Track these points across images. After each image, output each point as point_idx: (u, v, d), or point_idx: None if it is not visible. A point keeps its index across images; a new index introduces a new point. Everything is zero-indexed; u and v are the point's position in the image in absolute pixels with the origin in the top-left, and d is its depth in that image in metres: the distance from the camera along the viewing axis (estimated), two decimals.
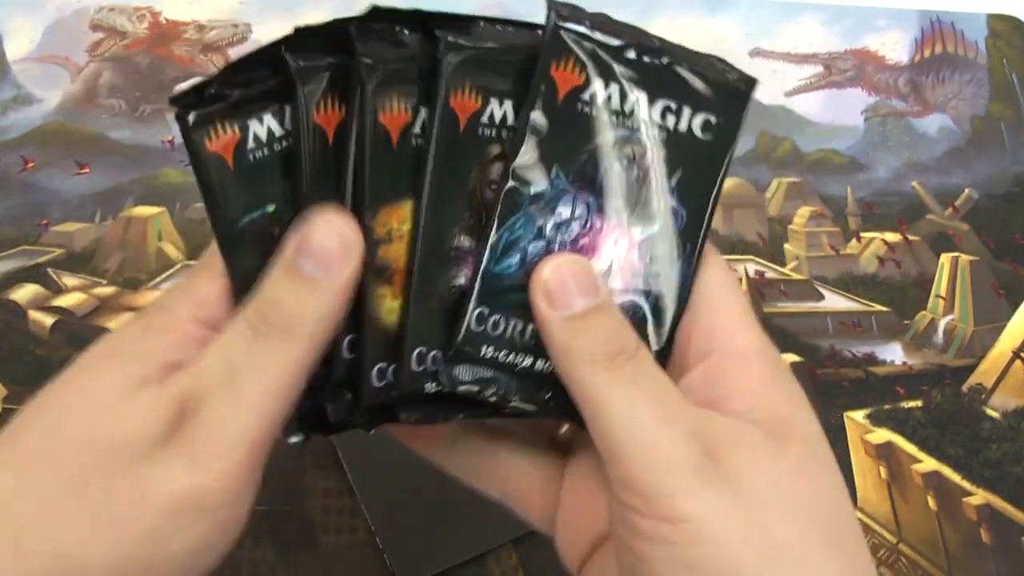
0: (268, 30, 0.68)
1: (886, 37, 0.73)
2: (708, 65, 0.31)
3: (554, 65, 0.29)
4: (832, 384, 0.57)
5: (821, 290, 0.62)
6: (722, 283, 0.32)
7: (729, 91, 0.31)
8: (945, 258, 0.64)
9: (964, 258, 0.64)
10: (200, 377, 0.28)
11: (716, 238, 0.63)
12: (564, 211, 0.29)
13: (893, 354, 0.59)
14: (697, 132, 0.31)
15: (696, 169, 0.31)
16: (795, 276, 0.62)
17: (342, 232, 0.28)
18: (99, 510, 0.26)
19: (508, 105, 0.29)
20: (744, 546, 0.27)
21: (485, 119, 0.29)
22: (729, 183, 0.66)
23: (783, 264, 0.63)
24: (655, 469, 0.27)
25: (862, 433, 0.56)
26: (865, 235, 0.64)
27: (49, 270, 0.57)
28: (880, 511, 0.54)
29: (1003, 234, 0.65)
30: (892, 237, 0.64)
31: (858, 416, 0.56)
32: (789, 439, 0.29)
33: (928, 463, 0.55)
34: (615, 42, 0.30)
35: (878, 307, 0.61)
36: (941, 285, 0.62)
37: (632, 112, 0.30)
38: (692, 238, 0.31)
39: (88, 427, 0.27)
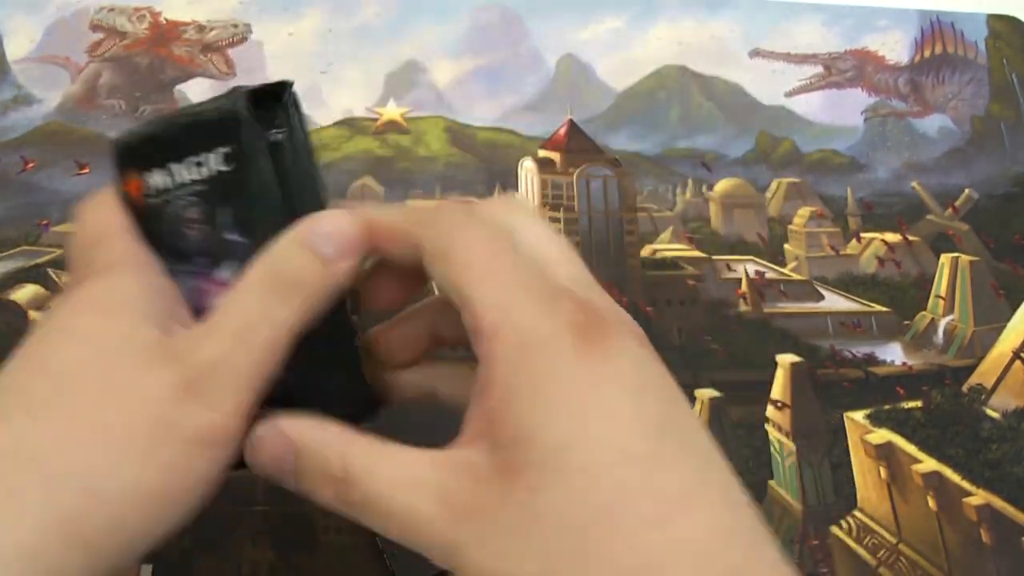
0: (268, 30, 0.68)
1: (886, 37, 0.73)
2: (208, 105, 0.33)
3: (124, 180, 0.33)
4: (832, 384, 0.58)
5: (821, 290, 0.62)
6: (492, 270, 0.30)
7: (224, 116, 0.32)
8: (945, 258, 0.64)
9: (964, 258, 0.64)
10: (215, 327, 0.30)
11: (717, 238, 0.63)
12: (181, 290, 0.33)
13: (893, 354, 0.59)
14: (224, 168, 0.32)
15: (247, 198, 0.33)
16: (795, 276, 0.62)
17: (353, 224, 0.31)
18: (124, 446, 0.28)
19: (163, 174, 0.33)
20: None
21: (152, 191, 0.33)
22: (729, 183, 0.66)
23: (783, 264, 0.63)
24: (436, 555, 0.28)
25: (862, 433, 0.56)
26: (865, 235, 0.64)
27: (49, 270, 0.57)
28: (880, 511, 0.54)
29: (1003, 234, 0.65)
30: (892, 237, 0.64)
31: (858, 416, 0.56)
32: (511, 468, 0.26)
33: (928, 463, 0.55)
34: (141, 140, 0.34)
35: (878, 307, 0.61)
36: (941, 285, 0.62)
37: (181, 184, 0.33)
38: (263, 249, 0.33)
39: (104, 377, 0.29)
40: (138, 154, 0.34)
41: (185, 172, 0.33)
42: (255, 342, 0.29)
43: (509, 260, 0.29)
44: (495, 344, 0.27)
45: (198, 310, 0.32)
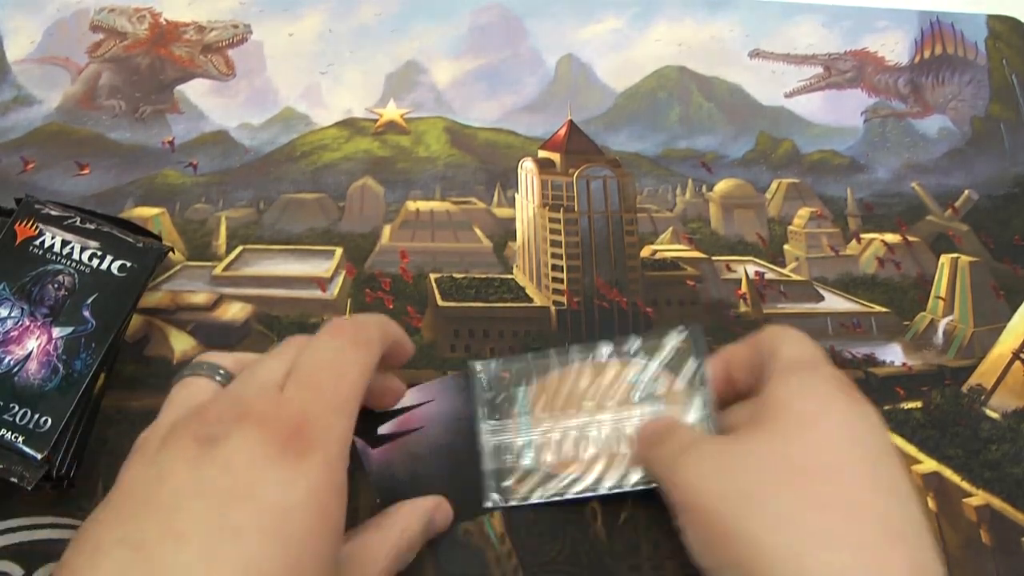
0: (268, 31, 0.68)
1: (886, 38, 0.73)
2: (134, 233, 0.52)
3: (18, 222, 0.49)
4: None
5: (821, 291, 0.62)
6: (798, 342, 0.45)
7: (145, 249, 0.50)
8: (945, 259, 0.64)
9: (964, 259, 0.64)
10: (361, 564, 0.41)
11: (716, 239, 0.63)
12: (3, 311, 0.47)
13: (893, 355, 0.59)
14: (114, 271, 0.49)
15: (111, 294, 0.49)
16: (795, 277, 0.62)
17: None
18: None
19: (58, 239, 0.49)
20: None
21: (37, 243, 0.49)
22: (729, 183, 0.66)
23: (783, 265, 0.63)
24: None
25: None
26: (865, 236, 0.64)
27: None
28: None
29: (1003, 235, 0.65)
30: (892, 238, 0.64)
31: None
32: (763, 420, 0.41)
33: (928, 464, 0.55)
34: (64, 213, 0.50)
35: (878, 308, 0.61)
36: (941, 286, 0.63)
37: (69, 254, 0.49)
38: (100, 339, 0.47)
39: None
40: (50, 216, 0.50)
41: (81, 251, 0.49)
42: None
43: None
44: (791, 364, 0.43)
45: (8, 338, 0.46)
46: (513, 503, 0.48)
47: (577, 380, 0.50)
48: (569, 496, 0.48)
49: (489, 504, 0.48)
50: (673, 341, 0.50)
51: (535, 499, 0.48)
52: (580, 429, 0.49)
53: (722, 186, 0.65)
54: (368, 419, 0.47)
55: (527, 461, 0.49)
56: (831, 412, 0.40)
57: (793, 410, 0.40)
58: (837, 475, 0.38)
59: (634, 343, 0.50)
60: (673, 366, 0.49)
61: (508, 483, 0.49)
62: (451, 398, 0.51)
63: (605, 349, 0.51)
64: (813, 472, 0.38)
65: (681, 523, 0.42)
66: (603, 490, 0.48)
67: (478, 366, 0.52)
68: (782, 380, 0.41)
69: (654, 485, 0.46)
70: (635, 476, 0.47)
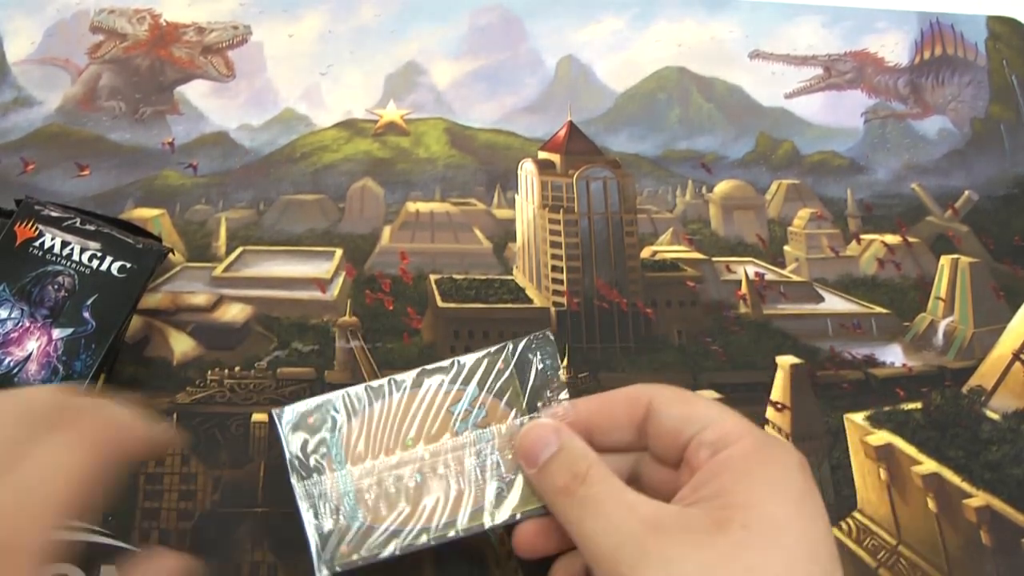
0: (268, 32, 0.68)
1: (886, 39, 0.73)
2: (134, 234, 0.52)
3: (18, 224, 0.50)
4: (832, 386, 0.58)
5: (821, 292, 0.62)
6: (725, 411, 0.41)
7: (145, 250, 0.50)
8: (945, 260, 0.64)
9: (964, 260, 0.64)
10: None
11: (716, 239, 0.63)
12: (3, 313, 0.48)
13: (893, 356, 0.59)
14: (114, 272, 0.49)
15: (111, 295, 0.49)
16: (795, 278, 0.62)
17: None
18: None
19: (58, 240, 0.50)
20: None
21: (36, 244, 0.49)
22: (729, 184, 0.66)
23: (783, 266, 0.63)
24: (602, 544, 0.37)
25: (862, 435, 0.56)
26: (865, 237, 0.64)
27: None
28: (880, 513, 0.54)
29: (1003, 236, 0.65)
30: (892, 239, 0.64)
31: (858, 418, 0.56)
32: (728, 529, 0.35)
33: (928, 465, 0.55)
34: (64, 214, 0.51)
35: (878, 309, 0.61)
36: (941, 287, 0.63)
37: (69, 255, 0.49)
38: (100, 340, 0.48)
39: None
40: (50, 217, 0.50)
41: (81, 252, 0.49)
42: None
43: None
44: (741, 440, 0.38)
45: (8, 340, 0.47)
46: (350, 567, 0.42)
47: (395, 414, 0.45)
48: (417, 546, 0.43)
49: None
50: (492, 361, 0.45)
51: (376, 557, 0.43)
52: (410, 469, 0.44)
53: (722, 187, 0.65)
54: None
55: (356, 519, 0.43)
56: (800, 518, 0.36)
57: (765, 516, 0.36)
58: None
59: (452, 368, 0.45)
60: (496, 390, 0.44)
61: (338, 548, 0.43)
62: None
63: (421, 376, 0.45)
64: None
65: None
66: (455, 533, 0.43)
67: (279, 413, 0.44)
68: (743, 475, 0.37)
69: (516, 520, 0.43)
70: (495, 517, 0.43)
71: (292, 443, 0.44)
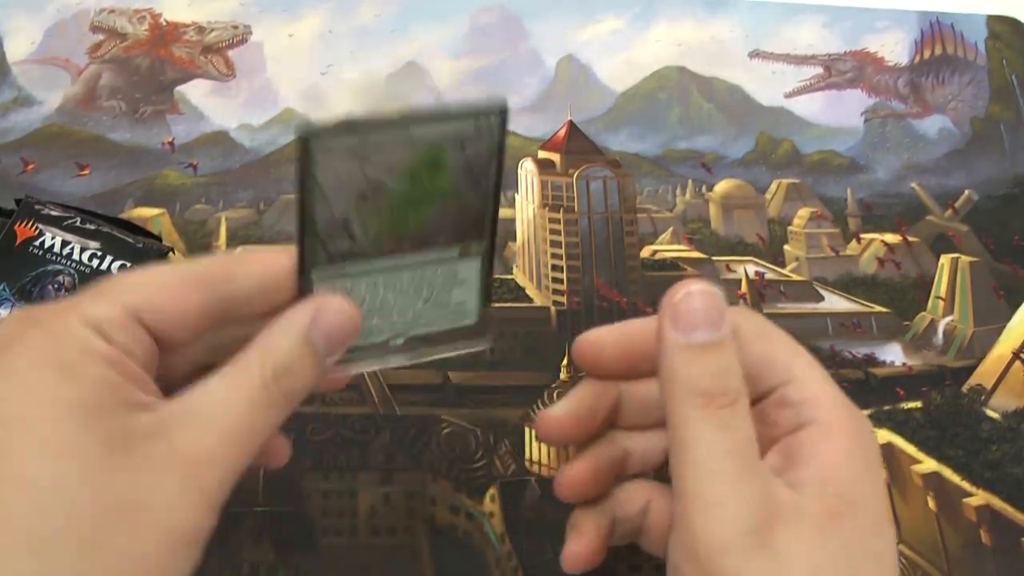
0: (268, 31, 0.68)
1: (886, 38, 0.73)
2: (134, 234, 0.52)
3: (18, 223, 0.50)
4: None
5: (821, 291, 0.62)
6: (810, 364, 0.35)
7: (145, 249, 0.51)
8: (945, 259, 0.64)
9: (964, 259, 0.64)
10: (207, 420, 0.29)
11: (716, 239, 0.63)
12: (3, 312, 0.48)
13: (893, 355, 0.59)
14: (115, 272, 0.49)
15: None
16: (795, 277, 0.62)
17: (352, 318, 0.32)
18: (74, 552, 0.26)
19: (58, 239, 0.50)
20: None
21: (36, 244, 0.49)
22: (729, 184, 0.66)
23: (783, 265, 0.63)
24: (714, 520, 0.30)
25: None
26: (865, 236, 0.64)
27: None
28: None
29: (1003, 235, 0.65)
30: (892, 238, 0.64)
31: None
32: (842, 522, 0.31)
33: (928, 464, 0.55)
34: (64, 213, 0.51)
35: (878, 308, 0.61)
36: (941, 286, 0.63)
37: (69, 254, 0.49)
38: None
39: (67, 489, 0.27)
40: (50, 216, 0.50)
41: (81, 251, 0.50)
42: (246, 444, 0.30)
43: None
44: (832, 412, 0.33)
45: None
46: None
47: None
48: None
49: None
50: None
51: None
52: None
53: (722, 186, 0.65)
54: None
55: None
56: (888, 518, 0.34)
57: (872, 511, 0.32)
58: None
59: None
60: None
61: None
62: None
63: None
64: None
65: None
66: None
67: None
68: (847, 462, 0.32)
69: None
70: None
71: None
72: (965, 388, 0.58)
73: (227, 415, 0.29)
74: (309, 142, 0.30)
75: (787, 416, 0.33)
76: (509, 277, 0.60)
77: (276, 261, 0.33)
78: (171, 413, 0.29)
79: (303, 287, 0.33)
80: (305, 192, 0.31)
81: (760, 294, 0.61)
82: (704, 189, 0.65)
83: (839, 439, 0.32)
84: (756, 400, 0.34)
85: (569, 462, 0.38)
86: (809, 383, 0.34)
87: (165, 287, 0.31)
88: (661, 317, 0.32)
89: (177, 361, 0.33)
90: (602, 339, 0.37)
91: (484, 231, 0.35)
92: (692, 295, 0.31)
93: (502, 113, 0.34)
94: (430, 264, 0.35)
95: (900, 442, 0.55)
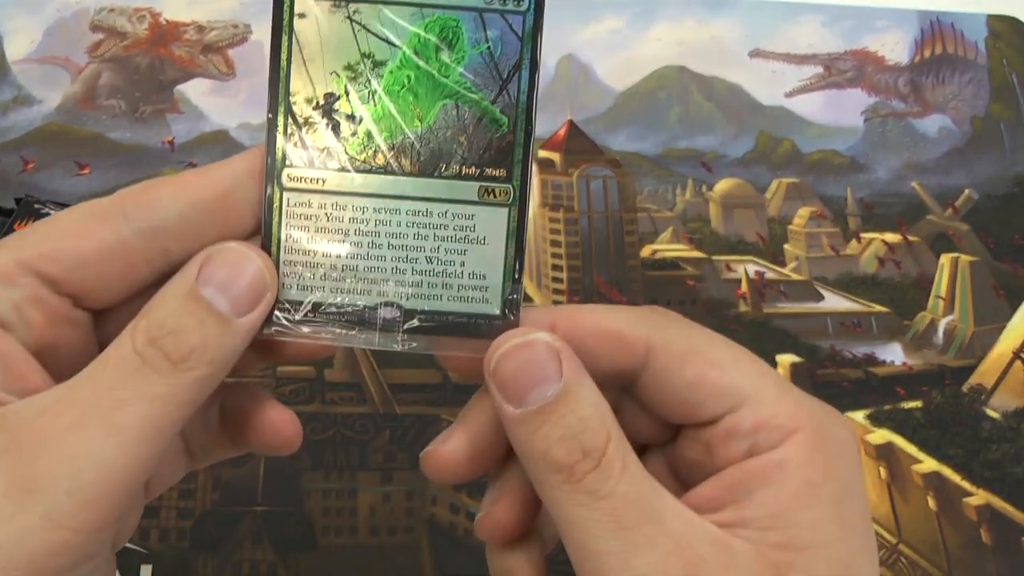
0: (268, 30, 0.68)
1: (886, 38, 0.73)
2: None
3: (18, 222, 0.47)
4: (832, 385, 0.58)
5: (821, 290, 0.62)
6: (762, 376, 0.27)
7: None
8: (945, 258, 0.64)
9: (964, 258, 0.64)
10: (60, 411, 0.23)
11: (716, 238, 0.63)
12: None
13: (893, 354, 0.59)
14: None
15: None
16: (795, 276, 0.62)
17: (257, 267, 0.25)
18: None
19: None
20: None
21: None
22: (728, 183, 0.66)
23: (783, 265, 0.63)
24: None
25: (862, 434, 0.56)
26: (865, 236, 0.64)
27: None
28: (880, 511, 0.54)
29: (1003, 234, 0.65)
30: (892, 238, 0.64)
31: (858, 417, 0.56)
32: (790, 572, 0.25)
33: (928, 463, 0.55)
34: None
35: (878, 307, 0.61)
36: (941, 285, 0.62)
37: None
38: None
39: None
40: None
41: None
42: (123, 438, 0.23)
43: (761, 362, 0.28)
44: (793, 435, 0.26)
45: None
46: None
47: None
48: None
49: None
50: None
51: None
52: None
53: (722, 186, 0.65)
54: None
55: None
56: (864, 553, 0.26)
57: (834, 561, 0.25)
58: None
59: None
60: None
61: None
62: None
63: None
64: None
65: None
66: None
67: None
68: (805, 500, 0.25)
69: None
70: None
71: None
72: (965, 388, 0.58)
73: (89, 405, 0.23)
74: None
75: (737, 448, 0.26)
76: None
77: (223, 172, 0.26)
78: (21, 419, 0.23)
79: (271, 196, 0.26)
80: (279, 46, 0.26)
81: (760, 293, 0.61)
82: (704, 188, 0.65)
83: (799, 467, 0.25)
84: (698, 425, 0.27)
85: (484, 503, 0.30)
86: (765, 403, 0.26)
87: (66, 227, 0.25)
88: (489, 390, 0.26)
89: (123, 328, 0.25)
90: (447, 453, 0.28)
91: (512, 164, 0.27)
92: (508, 355, 0.26)
93: None
94: (437, 201, 0.27)
95: (900, 442, 0.55)
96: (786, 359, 0.58)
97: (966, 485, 0.54)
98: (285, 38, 0.26)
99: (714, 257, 0.62)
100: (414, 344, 0.27)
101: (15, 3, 0.68)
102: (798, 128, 0.69)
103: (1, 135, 0.62)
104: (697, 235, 0.63)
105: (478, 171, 0.26)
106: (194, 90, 0.66)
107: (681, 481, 0.29)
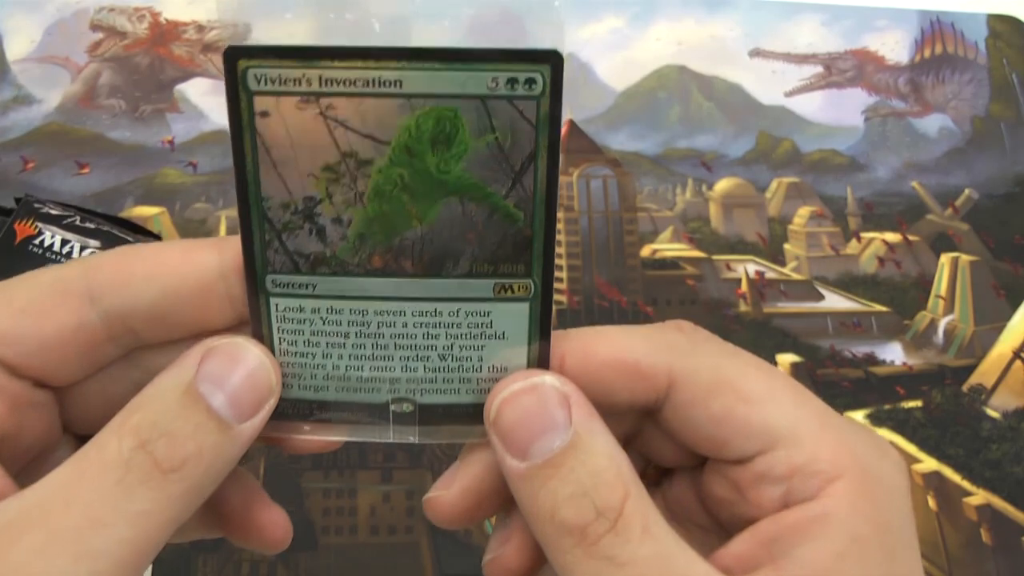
0: (268, 30, 0.68)
1: (886, 37, 0.73)
2: (134, 232, 0.46)
3: (17, 221, 0.47)
4: (832, 384, 0.58)
5: (821, 290, 0.62)
6: (802, 407, 0.24)
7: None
8: (945, 258, 0.64)
9: (964, 258, 0.64)
10: (24, 529, 0.20)
11: (717, 238, 0.63)
12: None
13: (893, 354, 0.59)
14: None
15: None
16: (795, 276, 0.62)
17: (262, 365, 0.23)
18: None
19: (58, 238, 0.44)
20: None
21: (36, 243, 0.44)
22: (729, 183, 0.66)
23: (783, 264, 0.63)
24: None
25: None
26: (865, 235, 0.64)
27: None
28: None
29: (1003, 234, 0.65)
30: (892, 237, 0.64)
31: (858, 416, 0.56)
32: None
33: (928, 463, 0.55)
34: (64, 212, 0.46)
35: (878, 307, 0.61)
36: (941, 285, 0.62)
37: (69, 253, 0.45)
38: None
39: None
40: (50, 215, 0.46)
41: (80, 250, 0.46)
42: (109, 550, 0.20)
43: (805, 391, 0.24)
44: (836, 482, 0.23)
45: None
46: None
47: None
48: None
49: None
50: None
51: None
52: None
53: (722, 185, 0.65)
54: None
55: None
56: None
57: None
58: None
59: None
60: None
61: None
62: None
63: None
64: None
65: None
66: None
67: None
68: (853, 563, 0.22)
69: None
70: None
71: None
72: (965, 387, 0.58)
73: (60, 525, 0.20)
74: (238, 66, 0.22)
75: (771, 494, 0.23)
76: None
77: (208, 260, 0.24)
78: None
79: (256, 301, 0.23)
80: (241, 150, 0.23)
81: (760, 293, 0.61)
82: (704, 188, 0.65)
83: (843, 520, 0.23)
84: (726, 461, 0.25)
85: (491, 544, 0.27)
86: (802, 444, 0.23)
87: (26, 305, 0.23)
88: (492, 441, 0.23)
89: (90, 404, 0.24)
90: (450, 502, 0.26)
91: (532, 259, 0.23)
92: (510, 402, 0.23)
93: (555, 64, 0.22)
94: (446, 300, 0.24)
95: (900, 441, 0.55)
96: (786, 359, 0.58)
97: (966, 485, 0.54)
98: (247, 139, 0.23)
99: (714, 257, 0.62)
100: (431, 440, 0.25)
101: (15, 3, 0.68)
102: (798, 128, 0.69)
103: (1, 135, 0.62)
104: (697, 235, 0.63)
105: (492, 268, 0.23)
106: (194, 90, 0.66)
107: (709, 512, 0.26)
